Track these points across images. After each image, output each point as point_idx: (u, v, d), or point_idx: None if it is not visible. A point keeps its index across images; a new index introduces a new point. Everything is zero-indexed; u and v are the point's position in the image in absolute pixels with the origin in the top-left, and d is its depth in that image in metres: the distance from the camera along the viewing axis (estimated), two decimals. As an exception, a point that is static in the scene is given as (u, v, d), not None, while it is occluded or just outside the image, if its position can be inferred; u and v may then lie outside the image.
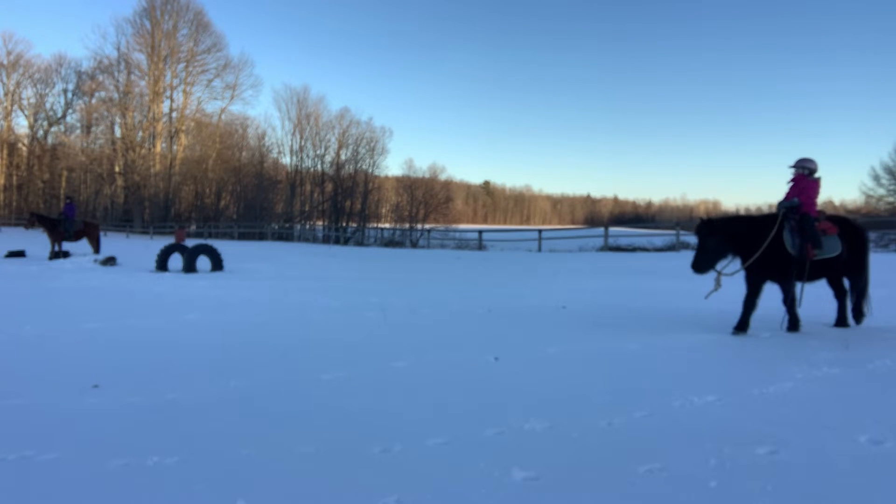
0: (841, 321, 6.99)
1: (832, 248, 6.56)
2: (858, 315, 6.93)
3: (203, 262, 15.93)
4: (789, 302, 6.61)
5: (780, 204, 6.73)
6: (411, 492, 2.75)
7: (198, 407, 4.05)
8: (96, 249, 19.42)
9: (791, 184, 6.88)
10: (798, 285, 6.72)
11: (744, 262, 6.58)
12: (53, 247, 18.39)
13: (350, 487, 2.81)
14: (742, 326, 6.56)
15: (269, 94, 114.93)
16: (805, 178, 6.77)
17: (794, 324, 6.64)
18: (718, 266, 6.69)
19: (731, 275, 6.61)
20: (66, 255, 18.25)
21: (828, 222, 6.69)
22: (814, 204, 6.74)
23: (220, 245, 20.21)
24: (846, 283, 7.02)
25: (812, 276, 6.69)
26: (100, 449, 3.25)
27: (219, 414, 3.90)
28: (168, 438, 3.42)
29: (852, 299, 6.95)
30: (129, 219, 50.15)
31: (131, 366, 5.23)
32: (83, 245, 20.24)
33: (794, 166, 6.89)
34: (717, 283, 6.66)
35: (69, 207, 19.09)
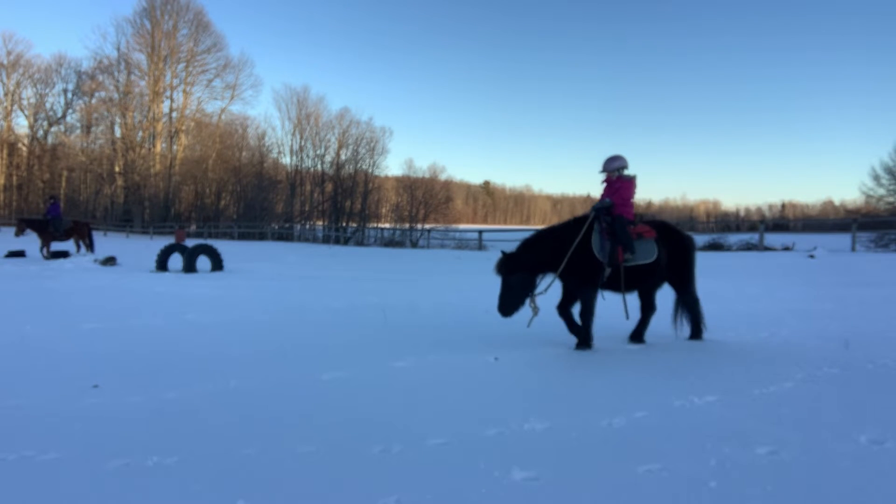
0: (636, 336, 6.28)
1: (647, 253, 5.96)
2: (697, 332, 6.32)
3: (203, 262, 15.93)
4: (585, 313, 5.90)
5: (593, 206, 6.15)
6: (411, 492, 2.75)
7: (198, 407, 4.05)
8: (90, 247, 19.34)
9: (604, 185, 6.35)
10: (619, 296, 6.15)
11: (556, 273, 5.96)
12: (45, 248, 18.29)
13: (350, 487, 2.81)
14: (585, 341, 5.92)
15: (269, 94, 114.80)
16: (618, 178, 6.25)
17: (585, 341, 5.91)
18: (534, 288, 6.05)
19: (544, 291, 6.01)
20: (65, 255, 18.25)
21: (646, 226, 6.16)
22: (628, 205, 6.17)
23: (220, 245, 20.21)
24: (670, 295, 6.48)
25: (629, 286, 6.08)
26: (100, 449, 3.25)
27: (219, 414, 3.90)
28: (168, 438, 3.42)
29: (686, 318, 6.36)
30: (129, 219, 50.15)
31: (131, 366, 5.23)
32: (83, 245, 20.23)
33: (603, 170, 6.32)
34: (534, 309, 5.96)
35: (53, 207, 18.97)
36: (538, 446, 3.31)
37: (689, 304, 6.33)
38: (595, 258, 5.87)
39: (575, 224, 6.11)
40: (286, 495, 2.74)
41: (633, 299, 6.35)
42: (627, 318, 6.15)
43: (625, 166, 6.27)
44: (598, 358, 5.59)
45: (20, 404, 4.09)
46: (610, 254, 5.86)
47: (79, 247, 19.26)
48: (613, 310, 6.64)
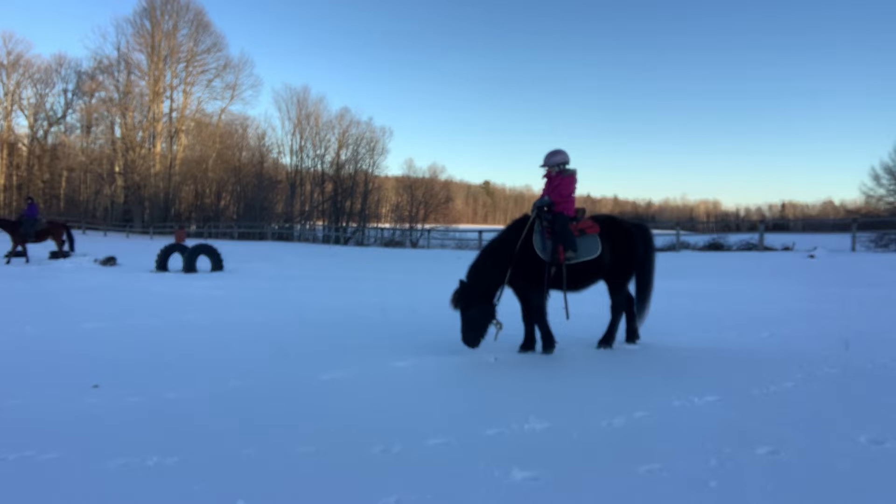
0: (630, 335, 6.19)
1: (589, 249, 5.77)
2: (608, 339, 6.05)
3: (203, 262, 15.94)
4: (536, 315, 5.74)
5: (534, 204, 5.98)
6: (411, 492, 2.75)
7: (198, 407, 4.06)
8: (70, 247, 18.64)
9: (545, 180, 6.15)
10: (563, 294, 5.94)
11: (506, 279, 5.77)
12: (14, 248, 17.83)
13: (350, 487, 2.81)
14: (548, 342, 5.76)
15: (269, 94, 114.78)
16: (558, 174, 6.06)
17: (547, 342, 5.76)
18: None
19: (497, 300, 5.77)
20: (65, 255, 18.24)
21: (590, 221, 5.96)
22: (569, 201, 5.96)
23: (220, 245, 20.21)
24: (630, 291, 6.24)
25: (576, 284, 5.89)
26: (100, 449, 3.25)
27: (219, 414, 3.90)
28: (168, 438, 3.42)
29: (627, 312, 6.17)
30: (129, 219, 50.16)
31: (131, 366, 5.23)
32: (83, 245, 20.21)
33: (543, 165, 6.13)
34: (498, 325, 5.73)
35: (31, 208, 18.58)
36: (538, 446, 3.31)
37: (616, 305, 6.07)
38: (538, 258, 5.71)
39: (516, 226, 5.93)
40: (286, 495, 2.74)
41: (600, 301, 6.14)
42: (567, 318, 5.97)
43: (566, 161, 6.08)
44: (598, 358, 5.58)
45: (20, 404, 4.09)
46: (552, 252, 5.69)
47: (60, 248, 18.72)
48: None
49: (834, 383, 4.60)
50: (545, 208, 5.92)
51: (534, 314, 5.78)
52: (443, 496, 2.72)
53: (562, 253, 5.68)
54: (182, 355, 5.68)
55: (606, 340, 6.02)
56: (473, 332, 5.60)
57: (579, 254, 5.74)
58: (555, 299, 6.01)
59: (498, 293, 5.76)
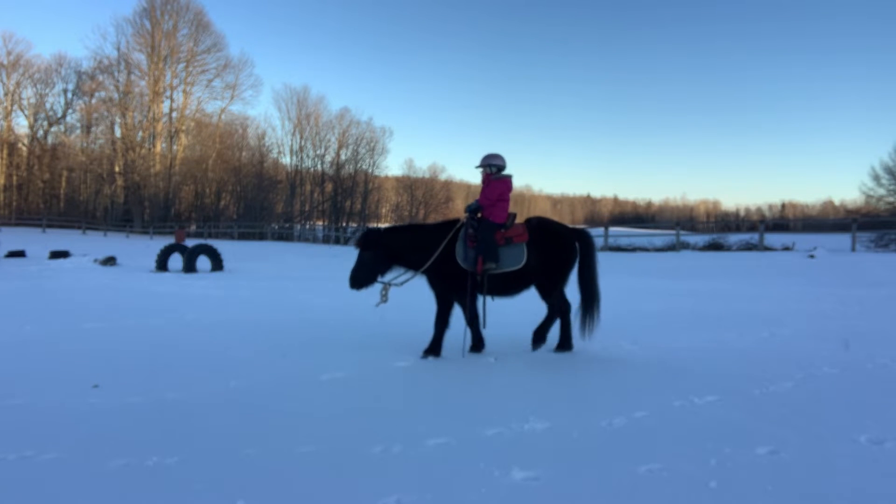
0: (563, 343, 5.87)
1: (513, 259, 5.53)
2: (538, 339, 5.84)
3: (203, 262, 15.94)
4: (440, 320, 5.63)
5: (467, 207, 5.83)
6: (411, 492, 2.75)
7: (198, 407, 4.06)
8: None
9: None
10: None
11: (416, 272, 5.71)
12: None
13: (350, 487, 2.81)
14: (434, 348, 5.61)
15: (269, 94, 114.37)
16: (489, 176, 5.83)
17: (476, 344, 5.74)
18: (387, 277, 5.81)
19: (401, 284, 5.79)
20: (65, 255, 18.25)
21: (521, 228, 5.69)
22: (497, 206, 5.69)
23: (220, 245, 20.21)
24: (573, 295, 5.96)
25: (503, 291, 5.69)
26: (100, 449, 3.25)
27: (219, 414, 3.90)
28: (168, 438, 3.42)
29: (546, 319, 5.90)
30: (129, 219, 50.14)
31: (131, 366, 5.23)
32: (84, 245, 20.21)
33: (479, 165, 5.96)
34: (384, 297, 5.75)
35: None
36: (538, 446, 3.31)
37: (553, 310, 5.86)
38: (459, 266, 5.54)
39: (444, 227, 5.79)
40: (286, 495, 2.74)
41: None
42: (484, 326, 5.75)
43: (501, 166, 5.88)
44: (598, 358, 5.58)
45: (20, 404, 4.09)
46: (473, 262, 5.49)
47: None
48: (614, 309, 6.61)
49: (834, 383, 4.60)
50: (474, 214, 5.72)
51: (437, 317, 5.63)
52: (443, 496, 2.72)
53: (480, 264, 5.44)
54: (182, 355, 5.68)
55: (538, 339, 5.83)
56: (359, 273, 5.64)
57: (502, 264, 5.51)
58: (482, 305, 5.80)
59: (401, 271, 5.79)
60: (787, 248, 20.51)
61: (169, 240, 33.37)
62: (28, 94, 53.80)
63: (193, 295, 10.42)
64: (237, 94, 54.23)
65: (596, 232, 27.62)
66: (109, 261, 16.71)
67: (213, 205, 52.44)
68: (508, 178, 5.91)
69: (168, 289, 11.37)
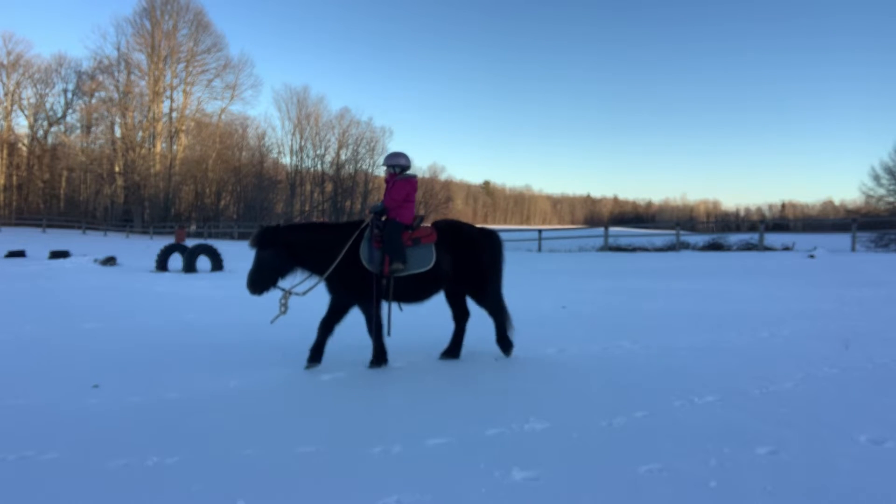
0: (451, 350, 5.63)
1: (422, 261, 5.31)
2: (505, 345, 5.66)
3: (203, 261, 15.93)
4: (375, 329, 5.30)
5: (370, 209, 5.59)
6: (411, 492, 2.75)
7: (198, 407, 4.06)
8: None
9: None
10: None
11: (321, 276, 5.31)
12: None
13: (350, 487, 2.81)
14: (314, 356, 5.30)
15: (269, 94, 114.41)
16: (394, 176, 5.63)
17: (379, 356, 5.31)
18: (289, 282, 5.38)
19: (303, 294, 5.34)
20: (65, 255, 18.25)
21: (429, 228, 5.50)
22: (403, 207, 5.48)
23: (220, 245, 20.21)
24: (475, 303, 5.72)
25: (413, 296, 5.44)
26: (100, 449, 3.26)
27: (219, 414, 3.90)
28: (168, 438, 3.42)
29: (495, 325, 5.67)
30: (129, 219, 50.13)
31: (131, 366, 5.23)
32: (84, 245, 20.20)
33: (383, 164, 5.80)
34: (283, 306, 5.29)
35: None
36: (538, 446, 3.31)
37: (491, 313, 5.65)
38: (365, 268, 5.25)
39: (348, 227, 5.47)
40: (286, 495, 2.74)
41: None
42: (389, 334, 5.43)
43: (405, 165, 5.66)
44: (598, 358, 5.58)
45: (20, 404, 4.09)
46: (380, 263, 5.25)
47: None
48: (615, 310, 6.60)
49: (834, 383, 4.60)
50: (379, 215, 5.46)
51: (371, 327, 5.34)
52: (443, 496, 2.72)
53: (387, 265, 5.22)
54: (182, 355, 5.68)
55: (504, 348, 5.64)
56: (256, 276, 5.24)
57: (409, 266, 5.28)
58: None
59: (305, 275, 5.38)
60: (787, 248, 20.51)
61: (169, 240, 33.37)
62: (28, 94, 53.82)
63: (193, 295, 10.42)
64: (237, 94, 54.26)
65: (596, 232, 27.64)
66: (109, 261, 16.70)
67: (213, 205, 52.44)
68: (414, 178, 5.68)
69: (168, 289, 11.37)
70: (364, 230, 5.37)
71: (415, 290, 5.41)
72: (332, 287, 5.38)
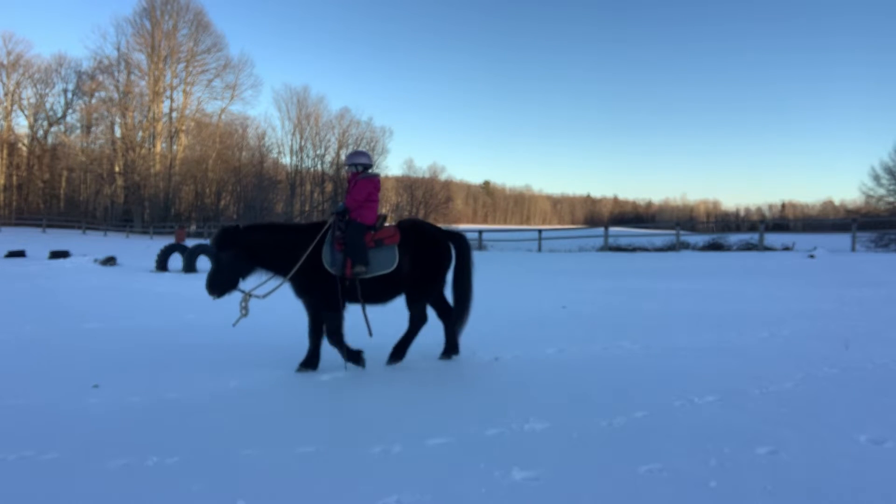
0: (448, 349, 5.59)
1: (385, 262, 5.17)
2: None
3: (203, 262, 15.93)
4: (335, 336, 5.15)
5: (333, 210, 5.45)
6: (411, 492, 2.75)
7: (198, 407, 4.06)
8: None
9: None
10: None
11: (283, 279, 5.17)
12: None
13: (350, 487, 2.81)
14: (309, 363, 5.19)
15: (269, 94, 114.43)
16: (356, 175, 5.50)
17: (354, 357, 5.17)
18: (250, 284, 5.22)
19: (264, 297, 5.15)
20: (65, 255, 18.25)
21: (392, 229, 5.36)
22: (365, 207, 5.36)
23: (220, 245, 20.19)
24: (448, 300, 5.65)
25: (376, 298, 5.29)
26: (100, 449, 3.26)
27: (219, 414, 3.90)
28: (168, 438, 3.42)
29: (406, 332, 5.49)
30: (129, 219, 50.14)
31: (131, 366, 5.23)
32: (84, 245, 20.20)
33: (345, 164, 5.70)
34: (244, 309, 5.10)
35: None
36: (538, 446, 3.31)
37: (414, 319, 5.46)
38: (327, 271, 5.10)
39: (310, 229, 5.30)
40: (286, 495, 2.74)
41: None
42: (371, 335, 5.33)
43: (367, 164, 5.56)
44: (598, 358, 5.58)
45: (20, 404, 4.09)
46: (342, 266, 5.11)
47: None
48: (615, 310, 6.60)
49: (834, 383, 4.60)
50: (341, 216, 5.29)
51: (329, 334, 5.17)
52: (443, 496, 2.72)
53: (349, 267, 5.09)
54: (182, 355, 5.68)
55: (396, 355, 5.41)
56: (216, 278, 5.02)
57: (372, 268, 5.15)
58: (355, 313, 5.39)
59: (268, 276, 5.22)
60: (787, 248, 20.51)
61: (169, 240, 33.36)
62: (28, 94, 53.85)
63: (193, 295, 10.41)
64: (237, 94, 54.28)
65: (596, 232, 27.63)
66: (109, 261, 16.70)
67: (213, 205, 52.45)
68: (376, 178, 5.56)
69: (168, 289, 11.37)
70: (327, 232, 5.22)
71: (379, 292, 5.28)
72: (296, 289, 5.25)
